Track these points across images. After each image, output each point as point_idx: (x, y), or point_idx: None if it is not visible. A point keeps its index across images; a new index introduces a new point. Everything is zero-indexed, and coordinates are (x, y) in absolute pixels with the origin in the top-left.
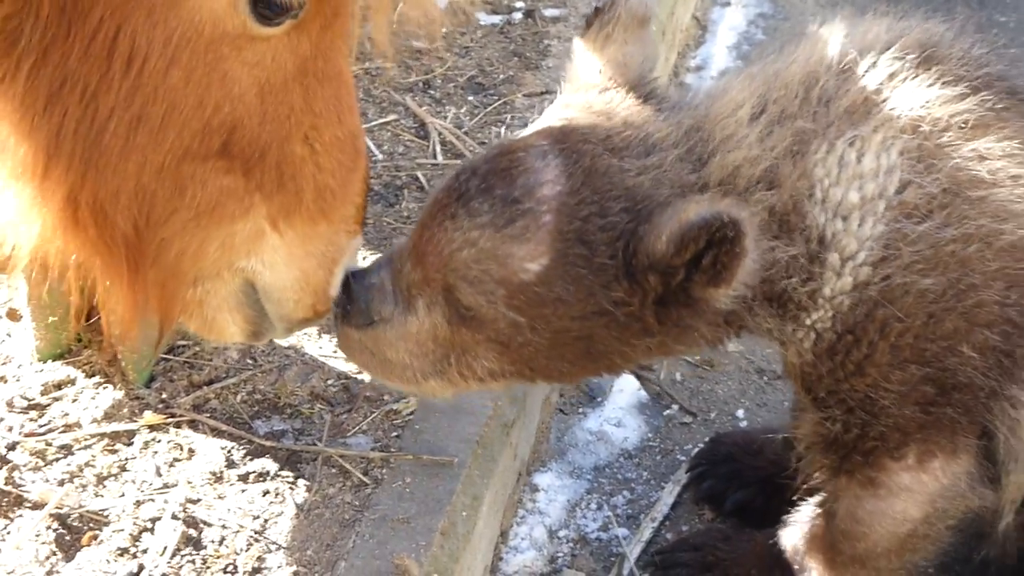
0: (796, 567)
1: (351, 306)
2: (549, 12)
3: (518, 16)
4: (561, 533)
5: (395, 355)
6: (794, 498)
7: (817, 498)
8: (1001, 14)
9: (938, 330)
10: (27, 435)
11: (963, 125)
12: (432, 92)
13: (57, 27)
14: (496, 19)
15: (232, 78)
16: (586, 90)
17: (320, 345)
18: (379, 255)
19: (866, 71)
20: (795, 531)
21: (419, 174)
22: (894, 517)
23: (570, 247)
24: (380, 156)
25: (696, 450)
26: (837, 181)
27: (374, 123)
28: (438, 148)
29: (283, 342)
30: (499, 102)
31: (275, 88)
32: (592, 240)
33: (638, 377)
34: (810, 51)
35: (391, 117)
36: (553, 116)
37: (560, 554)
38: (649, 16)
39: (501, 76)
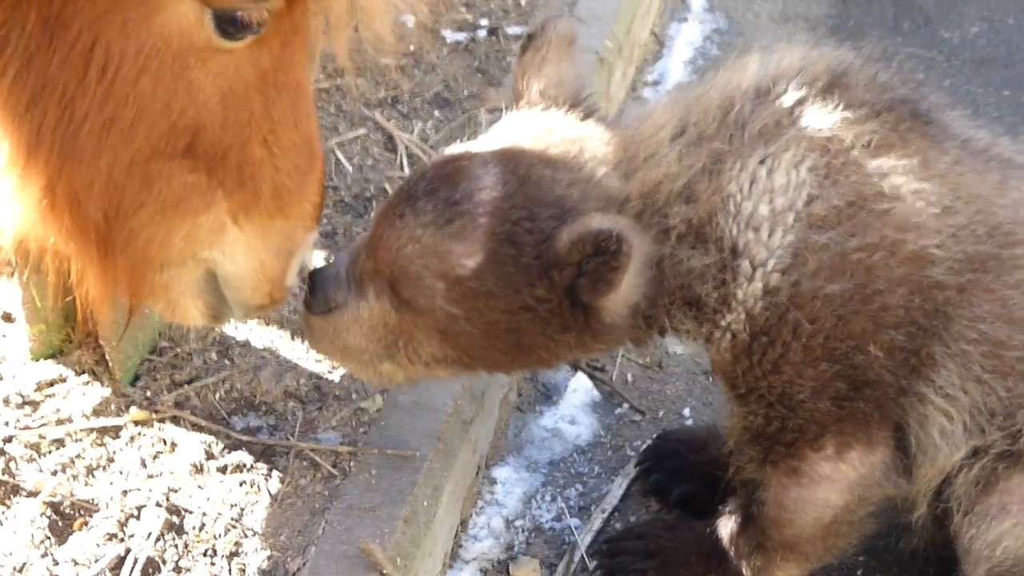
0: (731, 553)
1: (312, 296)
2: (512, 30)
3: (482, 34)
4: (517, 523)
5: (351, 339)
6: (729, 491)
7: (748, 489)
8: (945, 30)
9: (846, 331)
10: (22, 429)
11: (867, 145)
12: (400, 107)
13: (40, 37)
14: (461, 36)
15: (197, 86)
16: (527, 108)
17: (293, 347)
18: None
19: (778, 96)
20: (730, 520)
21: (387, 186)
22: (817, 504)
23: (501, 247)
24: (350, 168)
25: (644, 446)
26: (748, 195)
27: (345, 137)
28: (405, 161)
29: (258, 343)
30: (464, 116)
31: (237, 96)
32: (521, 241)
33: (591, 377)
34: (728, 78)
35: (361, 131)
36: (497, 132)
37: (516, 542)
38: (576, 38)
39: (466, 92)
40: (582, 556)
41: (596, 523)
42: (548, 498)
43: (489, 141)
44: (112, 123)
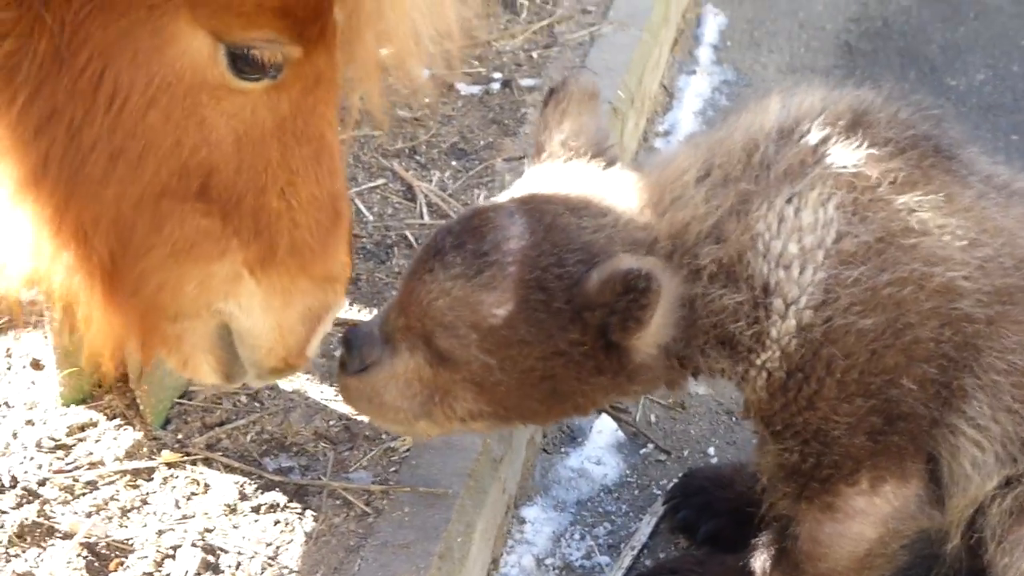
0: None
1: (348, 355)
2: (525, 82)
3: (496, 86)
4: (548, 561)
5: (388, 397)
6: (761, 526)
7: (781, 524)
8: (952, 78)
9: (880, 365)
10: (55, 472)
11: (893, 181)
12: (417, 158)
13: (51, 64)
14: (475, 89)
15: (210, 124)
16: (551, 160)
17: (322, 389)
18: (373, 308)
19: (801, 136)
20: (762, 554)
21: (408, 233)
22: (851, 538)
23: (531, 294)
24: (371, 217)
25: (671, 484)
26: (777, 234)
27: (364, 187)
28: (424, 209)
29: (287, 386)
30: (480, 166)
31: (252, 140)
32: (551, 287)
33: (615, 419)
34: (750, 121)
35: (380, 181)
36: (521, 184)
37: None
38: (598, 92)
39: (482, 142)
40: None
41: (626, 560)
42: (577, 537)
43: (513, 193)
44: (120, 154)
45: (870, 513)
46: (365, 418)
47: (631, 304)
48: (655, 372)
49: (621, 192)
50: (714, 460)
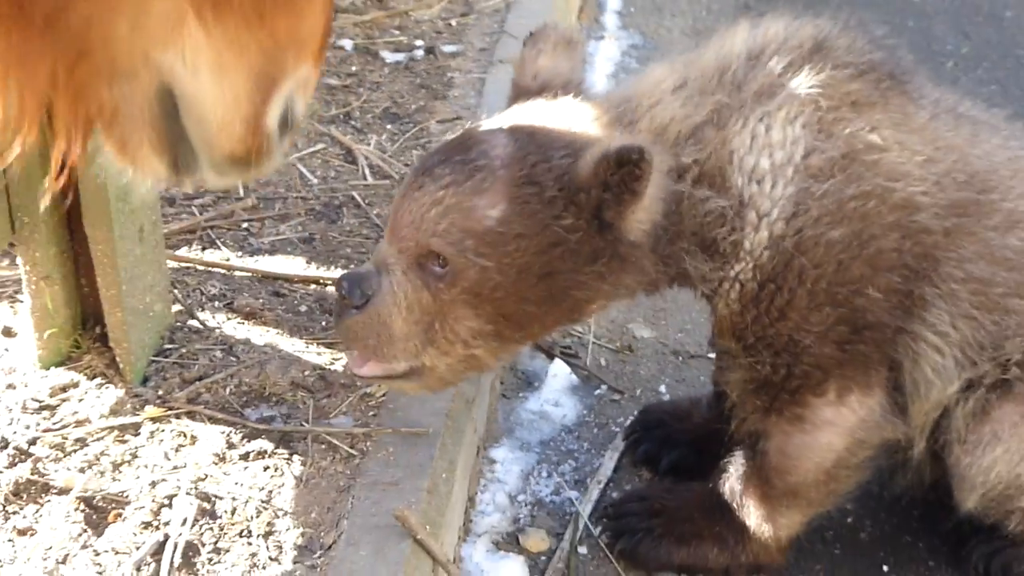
0: (734, 505)
1: (345, 294)
2: (447, 48)
3: (419, 53)
4: (520, 498)
5: (393, 327)
6: (723, 452)
7: (748, 444)
8: None
9: (847, 275)
10: (44, 431)
11: (854, 101)
12: (353, 123)
13: None
14: (400, 56)
15: None
16: (526, 96)
17: (294, 343)
18: (329, 267)
19: (769, 60)
20: (731, 474)
21: (354, 194)
22: (820, 448)
23: (523, 189)
24: (315, 180)
25: (629, 421)
26: (750, 150)
27: (304, 152)
28: (367, 171)
29: (260, 340)
30: (415, 128)
31: None
32: (541, 180)
33: (568, 364)
34: (719, 45)
35: (319, 146)
36: (502, 116)
37: (522, 515)
38: (577, 39)
39: (413, 106)
40: (586, 523)
41: (594, 493)
42: (544, 474)
43: (494, 121)
44: None
45: (837, 423)
46: (338, 366)
47: (626, 176)
48: (643, 264)
49: (599, 107)
50: (666, 397)
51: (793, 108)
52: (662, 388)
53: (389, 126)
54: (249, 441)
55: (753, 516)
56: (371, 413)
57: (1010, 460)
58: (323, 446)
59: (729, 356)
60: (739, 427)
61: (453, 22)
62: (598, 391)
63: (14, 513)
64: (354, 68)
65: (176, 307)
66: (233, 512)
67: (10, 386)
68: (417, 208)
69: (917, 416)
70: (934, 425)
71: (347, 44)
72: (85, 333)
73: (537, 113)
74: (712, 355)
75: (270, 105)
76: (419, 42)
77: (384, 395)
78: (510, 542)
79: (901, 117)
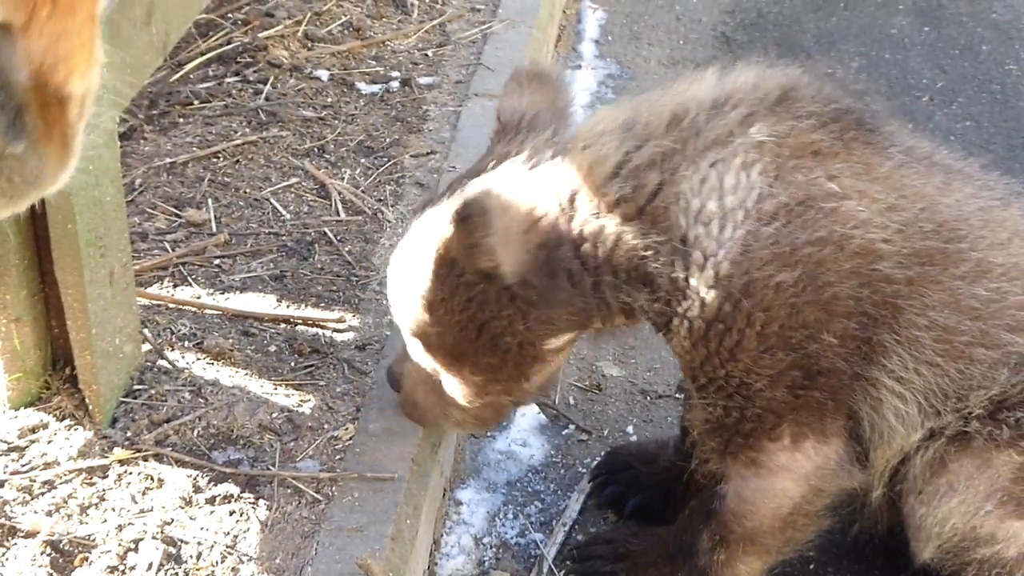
0: (695, 549)
1: (389, 380)
2: (423, 80)
3: (395, 85)
4: (485, 540)
5: (420, 396)
6: (688, 496)
7: (709, 489)
8: (827, 66)
9: (800, 320)
10: (12, 474)
11: (815, 151)
12: (327, 156)
13: None
14: (375, 88)
15: None
16: (508, 132)
17: (262, 384)
18: (300, 305)
19: (732, 109)
20: (692, 519)
21: (326, 230)
22: (776, 494)
23: (437, 256)
24: (288, 216)
25: (595, 462)
26: (699, 193)
27: (277, 186)
28: (340, 206)
29: (228, 382)
30: (389, 163)
31: None
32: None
33: (536, 403)
34: (683, 89)
35: (293, 180)
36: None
37: (486, 558)
38: (542, 72)
39: (387, 140)
40: (550, 567)
41: (559, 536)
42: (511, 516)
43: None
44: None
45: (792, 469)
46: (306, 409)
47: (466, 231)
48: (558, 299)
49: (534, 146)
50: (633, 438)
51: (750, 155)
52: (629, 428)
53: (363, 160)
54: (216, 484)
55: (713, 562)
56: (338, 457)
57: (965, 512)
58: (289, 490)
59: (690, 396)
60: (700, 467)
61: (430, 52)
62: (566, 431)
63: None
64: (329, 100)
65: (146, 347)
66: (198, 557)
67: None
68: (392, 291)
69: (879, 462)
70: (893, 471)
71: (323, 75)
72: (55, 374)
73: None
74: (680, 396)
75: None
76: (395, 73)
77: (351, 439)
78: None
79: (863, 167)
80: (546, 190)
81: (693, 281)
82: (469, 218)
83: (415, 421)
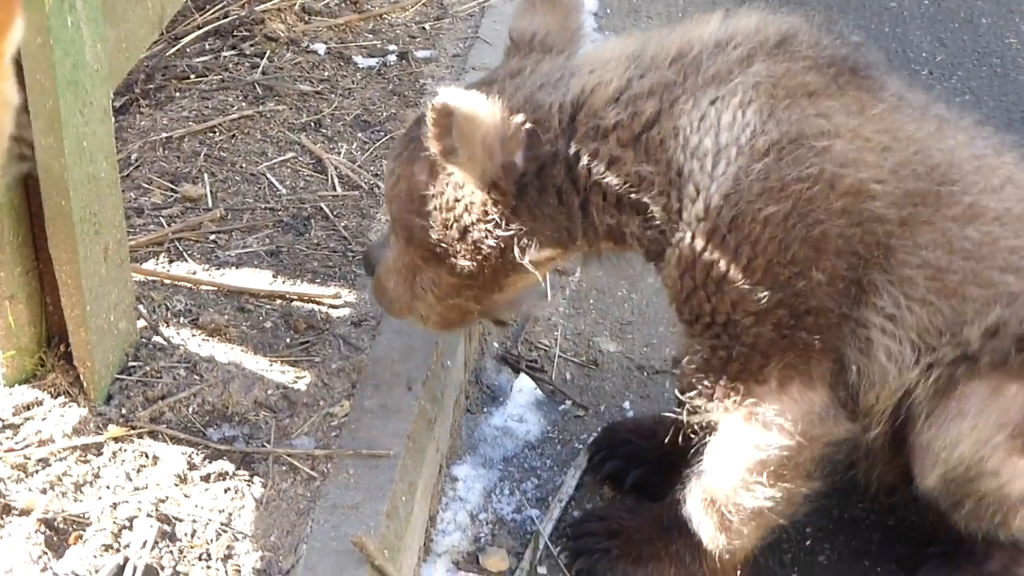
0: (690, 522)
1: (365, 264)
2: (421, 54)
3: (392, 58)
4: (481, 516)
5: (389, 287)
6: (684, 472)
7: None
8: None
9: (787, 256)
10: (7, 451)
11: (809, 92)
12: (323, 130)
13: None
14: (373, 61)
15: None
16: (520, 50)
17: (257, 360)
18: (296, 280)
19: (734, 48)
20: (686, 491)
21: (322, 205)
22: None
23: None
24: (284, 191)
25: (591, 439)
26: (696, 130)
27: (274, 161)
28: (336, 181)
29: (224, 358)
30: (386, 137)
31: None
32: None
33: (533, 378)
34: (690, 29)
35: (289, 155)
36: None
37: (482, 534)
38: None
39: (384, 113)
40: (546, 543)
41: (555, 512)
42: (507, 492)
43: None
44: None
45: (780, 413)
46: (302, 385)
47: (436, 130)
48: (541, 212)
49: (546, 69)
50: (630, 414)
51: (747, 94)
52: (626, 404)
53: (360, 134)
54: (210, 462)
55: (707, 532)
56: (333, 434)
57: (976, 440)
58: (284, 467)
59: (679, 339)
60: (690, 417)
61: (427, 26)
62: (563, 406)
63: None
64: (326, 73)
65: (141, 323)
66: (193, 535)
67: None
68: (387, 181)
69: (873, 403)
70: (895, 407)
71: (320, 48)
72: (50, 351)
73: (500, 75)
74: (677, 370)
75: None
76: (392, 47)
77: (346, 416)
78: (470, 561)
79: (857, 107)
80: (546, 107)
81: (686, 214)
82: (434, 114)
83: (382, 308)
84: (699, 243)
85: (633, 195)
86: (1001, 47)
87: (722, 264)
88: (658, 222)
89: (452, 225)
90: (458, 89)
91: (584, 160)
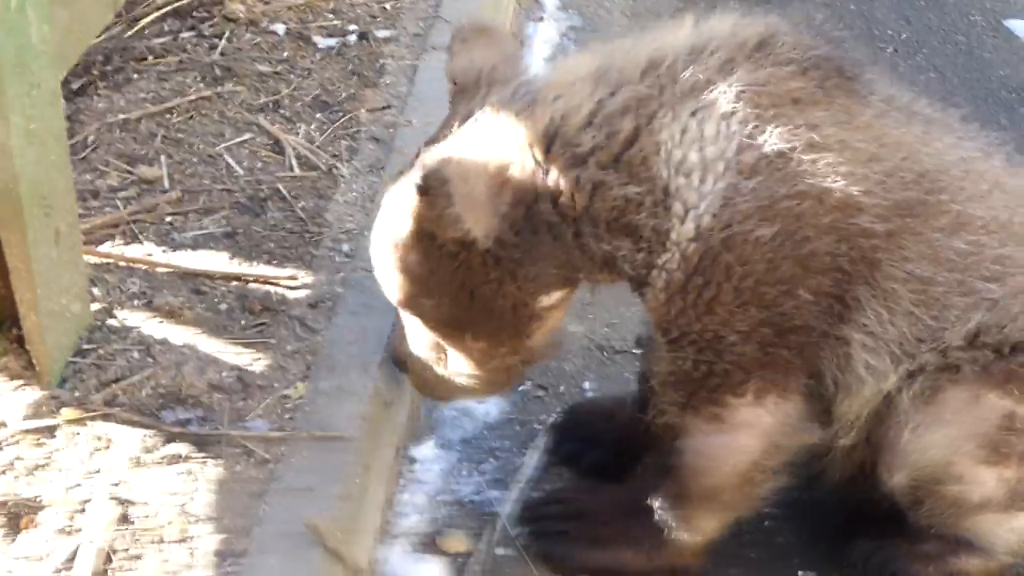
0: (651, 507)
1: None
2: (381, 33)
3: (352, 38)
4: (439, 498)
5: (428, 373)
6: (643, 455)
7: (666, 447)
8: (792, 18)
9: (776, 275)
10: None
11: (795, 100)
12: (282, 111)
13: None
14: (332, 41)
15: None
16: (464, 92)
17: (211, 342)
18: (252, 263)
19: (710, 54)
20: (648, 475)
21: (280, 186)
22: (736, 450)
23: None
24: (241, 171)
25: (551, 420)
26: (679, 144)
27: (232, 142)
28: (294, 162)
29: (177, 340)
30: (345, 118)
31: None
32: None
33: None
34: (659, 36)
35: (247, 136)
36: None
37: (440, 516)
38: (485, 26)
39: (343, 94)
40: (504, 524)
41: (515, 493)
42: (465, 473)
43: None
44: None
45: (754, 425)
46: (257, 367)
47: (429, 204)
48: (542, 254)
49: (502, 104)
50: (589, 394)
51: (730, 104)
52: (586, 384)
53: (319, 115)
54: (164, 445)
55: (670, 518)
56: (288, 416)
57: (947, 446)
58: (238, 450)
59: (654, 348)
60: (658, 419)
61: (388, 6)
62: (522, 387)
63: None
64: (285, 54)
65: (95, 306)
66: (147, 518)
67: None
68: (377, 272)
69: (846, 411)
70: (873, 415)
71: (279, 28)
72: (1, 335)
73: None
74: (638, 351)
75: None
76: (352, 27)
77: (301, 398)
78: (429, 544)
79: (845, 115)
80: (517, 145)
81: (674, 235)
82: (429, 190)
83: (431, 399)
84: (690, 264)
85: (622, 218)
86: (966, 24)
87: (713, 285)
88: (646, 244)
89: (459, 294)
90: (434, 156)
91: (567, 190)
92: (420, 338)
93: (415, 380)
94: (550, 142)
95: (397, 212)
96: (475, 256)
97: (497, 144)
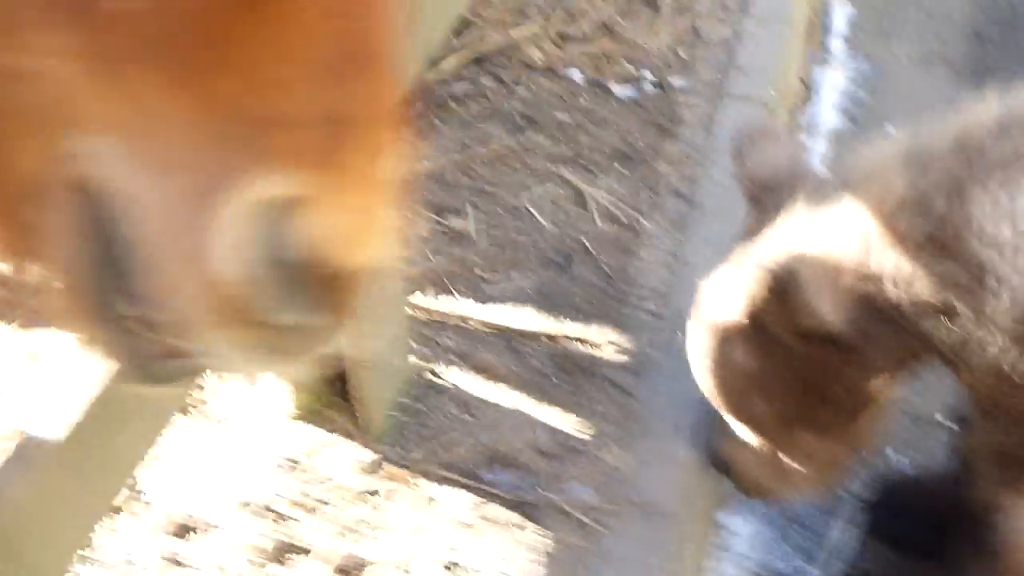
0: None
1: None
2: (676, 81)
3: (648, 87)
4: (750, 567)
5: (763, 475)
6: (960, 532)
7: (982, 521)
8: None
9: None
10: (302, 495)
11: None
12: (582, 162)
13: None
14: (629, 90)
15: None
16: (756, 195)
17: (531, 402)
18: (550, 318)
19: (1020, 131)
20: (962, 552)
21: (584, 240)
22: None
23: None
24: (546, 224)
25: (860, 487)
26: (990, 217)
27: (535, 193)
28: (596, 216)
29: (494, 398)
30: (644, 167)
31: None
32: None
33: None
34: (963, 119)
35: (549, 187)
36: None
37: None
38: (765, 127)
39: (642, 143)
40: None
41: (824, 564)
42: (773, 541)
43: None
44: None
45: None
46: (574, 431)
47: (783, 299)
48: (872, 340)
49: (811, 196)
50: (894, 461)
51: None
52: (889, 451)
53: (617, 165)
54: (486, 505)
55: None
56: (604, 481)
57: None
58: (560, 515)
59: (972, 423)
60: (976, 496)
61: (681, 51)
62: None
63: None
64: (582, 101)
65: (412, 358)
66: None
67: (259, 440)
68: (699, 376)
69: None
70: None
71: (575, 75)
72: (328, 388)
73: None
74: (945, 421)
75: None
76: (647, 73)
77: (618, 463)
78: None
79: None
80: (840, 233)
81: (988, 309)
82: (784, 285)
83: (762, 499)
84: (1006, 339)
85: (938, 298)
86: None
87: None
88: (962, 323)
89: (791, 388)
90: (772, 252)
91: (888, 275)
92: (746, 439)
93: (744, 484)
94: (868, 227)
95: (726, 307)
96: (813, 346)
97: (830, 234)
